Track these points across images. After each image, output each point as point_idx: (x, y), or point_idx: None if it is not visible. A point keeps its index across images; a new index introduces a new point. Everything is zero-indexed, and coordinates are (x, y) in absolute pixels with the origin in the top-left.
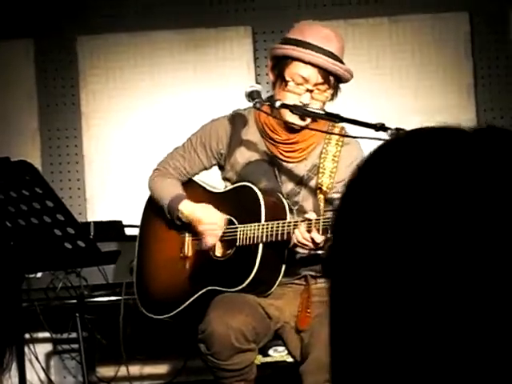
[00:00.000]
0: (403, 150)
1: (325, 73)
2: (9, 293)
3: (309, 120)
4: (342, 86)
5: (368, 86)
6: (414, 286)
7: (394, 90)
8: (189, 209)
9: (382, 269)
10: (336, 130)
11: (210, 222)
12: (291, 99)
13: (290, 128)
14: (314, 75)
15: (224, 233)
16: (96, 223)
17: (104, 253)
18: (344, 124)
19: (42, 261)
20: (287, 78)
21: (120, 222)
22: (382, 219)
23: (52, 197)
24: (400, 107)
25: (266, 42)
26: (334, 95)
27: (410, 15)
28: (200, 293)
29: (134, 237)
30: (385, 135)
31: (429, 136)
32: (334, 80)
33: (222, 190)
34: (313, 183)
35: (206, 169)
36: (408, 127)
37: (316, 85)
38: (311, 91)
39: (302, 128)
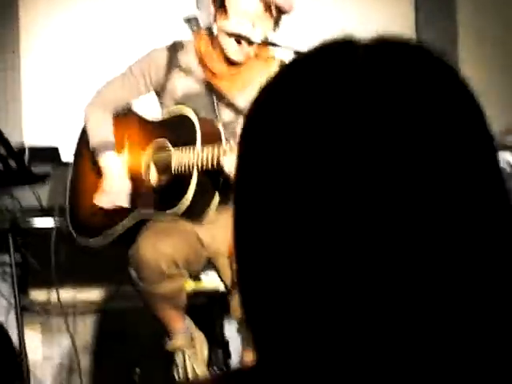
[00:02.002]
0: (298, 72)
1: (266, 3)
2: None
3: (247, 48)
4: None
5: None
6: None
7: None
8: (105, 165)
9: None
10: (275, 62)
11: (112, 190)
12: (231, 31)
13: (230, 60)
14: (255, 6)
15: (159, 157)
16: (31, 149)
17: (34, 174)
18: (283, 56)
19: None
20: (228, 10)
21: (56, 148)
22: (283, 139)
23: None
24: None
25: None
26: (275, 26)
27: None
28: (132, 218)
29: (69, 163)
30: None
31: (318, 56)
32: (276, 11)
33: (158, 118)
34: None
35: (142, 94)
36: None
37: (258, 16)
38: (252, 22)
39: (240, 62)
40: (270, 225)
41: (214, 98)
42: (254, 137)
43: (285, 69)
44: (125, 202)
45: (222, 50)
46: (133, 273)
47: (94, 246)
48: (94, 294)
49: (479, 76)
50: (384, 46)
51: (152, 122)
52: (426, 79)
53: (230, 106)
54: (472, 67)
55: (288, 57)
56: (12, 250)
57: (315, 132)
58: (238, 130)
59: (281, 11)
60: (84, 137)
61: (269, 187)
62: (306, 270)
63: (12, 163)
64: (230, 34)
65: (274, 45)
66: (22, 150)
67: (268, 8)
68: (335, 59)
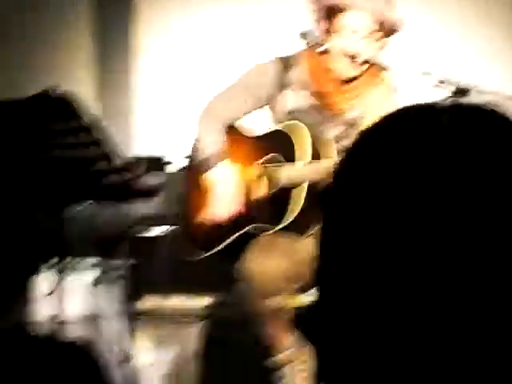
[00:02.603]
0: (383, 136)
1: (377, 20)
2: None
3: (358, 69)
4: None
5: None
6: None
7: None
8: (213, 177)
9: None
10: (384, 79)
11: (222, 202)
12: (345, 47)
13: (340, 78)
14: (367, 22)
15: (270, 171)
16: (142, 158)
17: (146, 188)
18: (393, 72)
19: (86, 192)
20: (340, 28)
21: (162, 157)
22: (373, 196)
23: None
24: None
25: None
26: (385, 44)
27: None
28: (244, 230)
29: (177, 172)
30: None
31: (402, 120)
32: (387, 28)
33: (269, 130)
34: (361, 127)
35: (250, 113)
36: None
37: (369, 34)
38: (364, 39)
39: (351, 79)
40: (350, 269)
41: (321, 116)
42: (341, 189)
43: (369, 131)
44: (233, 215)
45: (330, 69)
46: (240, 287)
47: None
48: (203, 302)
49: None
50: (466, 111)
51: (262, 136)
52: (505, 146)
53: (339, 119)
54: None
55: (395, 76)
56: (126, 256)
57: (395, 194)
58: (348, 143)
59: (391, 30)
60: (194, 151)
61: (351, 242)
62: (382, 331)
63: (125, 176)
64: (344, 53)
65: (383, 66)
66: (138, 160)
67: (380, 26)
68: (419, 125)
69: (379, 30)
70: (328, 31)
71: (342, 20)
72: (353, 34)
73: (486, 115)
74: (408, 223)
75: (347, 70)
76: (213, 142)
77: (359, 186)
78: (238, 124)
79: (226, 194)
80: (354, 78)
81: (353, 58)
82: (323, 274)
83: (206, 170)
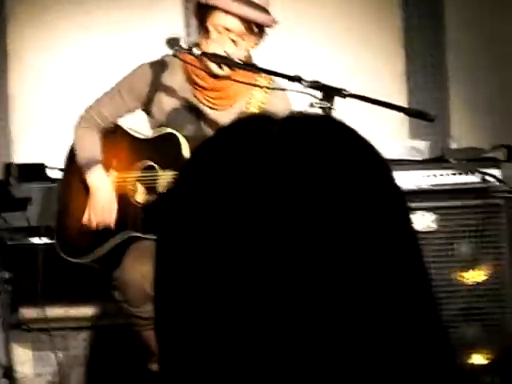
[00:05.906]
0: (219, 146)
1: (247, 22)
2: None
3: (228, 70)
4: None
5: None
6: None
7: None
8: (93, 182)
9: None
10: (263, 80)
11: (100, 208)
12: (215, 48)
13: (215, 75)
14: (235, 25)
15: (146, 177)
16: (19, 165)
17: (15, 199)
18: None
19: None
20: (209, 29)
21: (43, 164)
22: (204, 208)
23: None
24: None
25: None
26: (259, 39)
27: None
28: (117, 237)
29: (58, 180)
30: (301, 87)
31: (238, 130)
32: (257, 28)
33: (146, 137)
34: None
35: (130, 111)
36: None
37: (239, 35)
38: (234, 41)
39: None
40: (187, 276)
41: (200, 115)
42: (177, 199)
43: (206, 142)
44: (112, 222)
45: (201, 67)
46: (116, 294)
47: (82, 263)
48: (84, 311)
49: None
50: (296, 120)
51: (140, 140)
52: (335, 149)
53: (217, 122)
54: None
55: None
56: (1, 269)
57: (230, 200)
58: None
59: (262, 29)
60: (72, 155)
61: (187, 248)
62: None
63: None
64: (208, 54)
65: (250, 65)
66: (8, 165)
67: (249, 27)
68: (252, 134)
69: (248, 32)
70: (200, 31)
71: (210, 22)
72: (222, 36)
73: (314, 120)
74: (243, 232)
75: (214, 70)
76: (87, 148)
77: (193, 198)
78: (125, 124)
79: (100, 203)
80: (229, 77)
81: (221, 64)
82: (160, 285)
83: (83, 176)
